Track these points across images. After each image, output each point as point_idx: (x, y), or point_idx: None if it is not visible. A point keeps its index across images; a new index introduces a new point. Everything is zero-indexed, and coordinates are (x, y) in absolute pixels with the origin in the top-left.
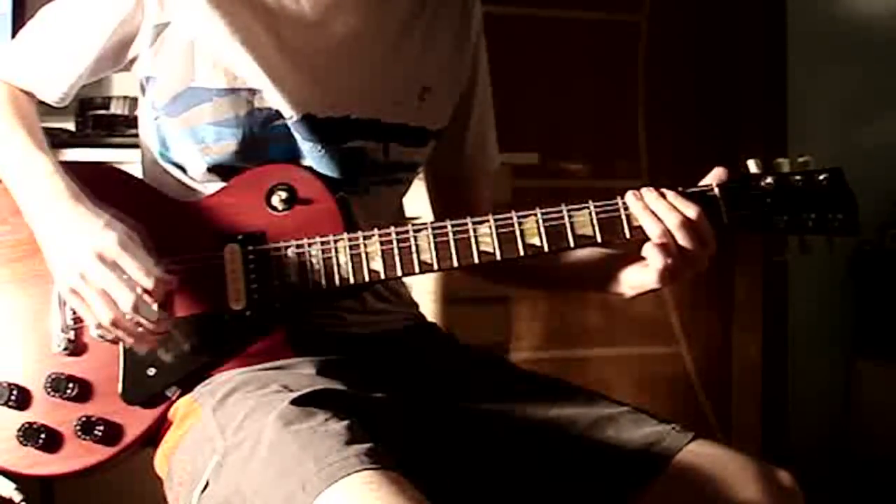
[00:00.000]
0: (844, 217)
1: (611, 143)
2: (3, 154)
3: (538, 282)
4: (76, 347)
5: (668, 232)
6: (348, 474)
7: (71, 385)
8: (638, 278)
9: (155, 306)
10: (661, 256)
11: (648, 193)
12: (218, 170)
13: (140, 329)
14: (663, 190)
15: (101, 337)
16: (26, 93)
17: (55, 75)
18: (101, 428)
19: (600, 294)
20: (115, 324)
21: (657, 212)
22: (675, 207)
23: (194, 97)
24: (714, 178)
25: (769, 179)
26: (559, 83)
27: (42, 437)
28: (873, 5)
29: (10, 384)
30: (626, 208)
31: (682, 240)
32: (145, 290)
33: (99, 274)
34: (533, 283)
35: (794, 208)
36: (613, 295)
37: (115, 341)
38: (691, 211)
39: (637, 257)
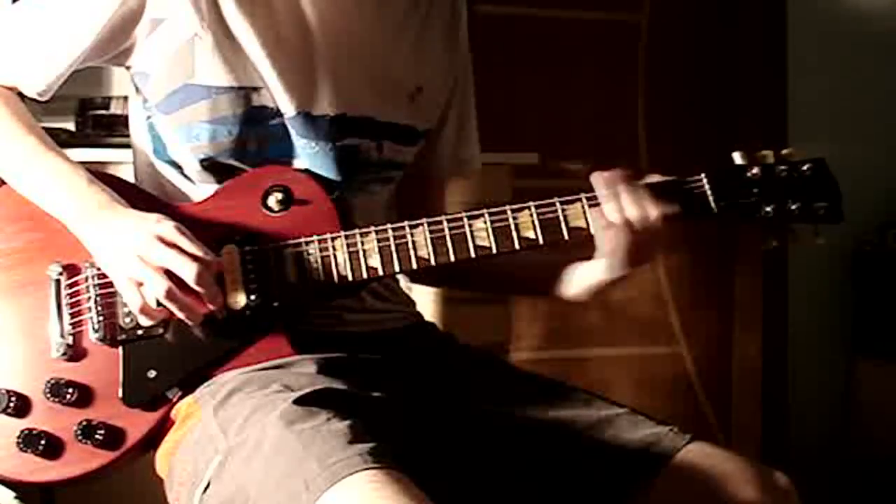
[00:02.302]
0: (829, 205)
1: (611, 143)
2: (19, 162)
3: (487, 284)
4: (75, 352)
5: (628, 224)
6: (351, 473)
7: (70, 390)
8: (588, 273)
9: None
10: (619, 244)
11: (626, 185)
12: (213, 167)
13: (191, 303)
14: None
15: (144, 321)
16: (8, 88)
17: (43, 64)
18: (102, 432)
19: (549, 297)
20: (170, 297)
21: (623, 205)
22: (639, 203)
23: (191, 94)
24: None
25: (755, 170)
26: (559, 83)
27: (42, 444)
28: (874, 4)
29: (8, 391)
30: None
31: (642, 233)
32: (202, 264)
33: (159, 252)
34: (483, 286)
35: (780, 198)
36: (562, 297)
37: (158, 325)
38: (654, 211)
39: (582, 257)
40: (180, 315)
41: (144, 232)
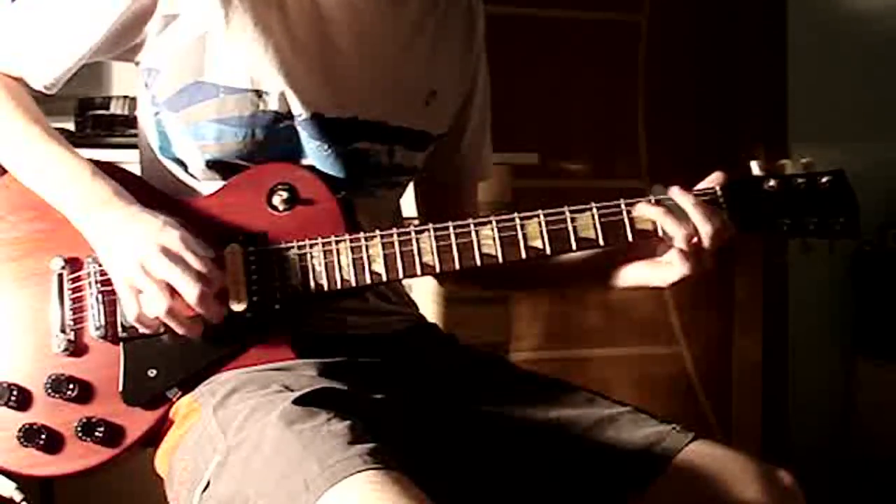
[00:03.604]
0: (846, 220)
1: (611, 143)
2: (23, 152)
3: (535, 282)
4: (76, 348)
5: (692, 237)
6: (351, 474)
7: (71, 386)
8: (644, 275)
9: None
10: (685, 261)
11: (681, 196)
12: (217, 167)
13: (192, 319)
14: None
15: (140, 326)
16: (14, 79)
17: (52, 57)
18: (102, 429)
19: (595, 288)
20: (170, 313)
21: (692, 217)
22: (706, 215)
23: (199, 92)
24: (715, 181)
25: (772, 182)
26: (559, 83)
27: (42, 438)
28: (873, 4)
29: (10, 384)
30: (629, 212)
31: (709, 246)
32: (205, 283)
33: (163, 266)
34: (530, 284)
35: (796, 211)
36: (608, 288)
37: (153, 332)
38: (718, 220)
39: (639, 255)
40: (179, 330)
41: (149, 240)
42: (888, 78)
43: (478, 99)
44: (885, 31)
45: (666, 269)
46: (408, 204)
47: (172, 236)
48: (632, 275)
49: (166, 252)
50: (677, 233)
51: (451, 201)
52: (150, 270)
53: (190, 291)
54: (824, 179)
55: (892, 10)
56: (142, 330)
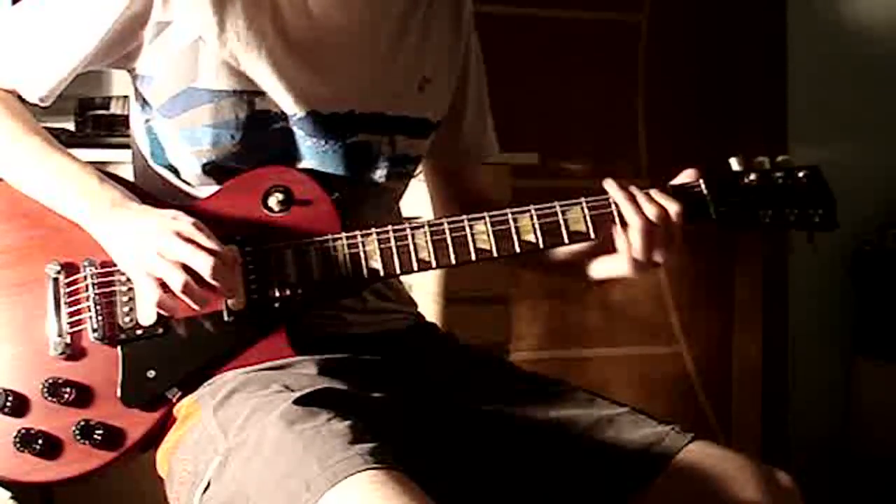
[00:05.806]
0: (824, 213)
1: (611, 142)
2: (25, 165)
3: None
4: (73, 351)
5: (648, 224)
6: (352, 474)
7: (69, 389)
8: (608, 266)
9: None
10: (640, 246)
11: (634, 189)
12: (213, 172)
13: (206, 296)
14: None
15: (146, 320)
16: (9, 91)
17: (46, 69)
18: (101, 432)
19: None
20: (186, 290)
21: (641, 204)
22: (656, 202)
23: (194, 98)
24: (689, 176)
25: (752, 176)
26: (559, 83)
27: (40, 443)
28: (873, 3)
29: (5, 390)
30: (616, 205)
31: (660, 232)
32: (219, 258)
33: (178, 247)
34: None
35: (777, 204)
36: (580, 278)
37: (158, 324)
38: (674, 206)
39: (606, 248)
40: (195, 307)
41: (162, 228)
42: (888, 78)
43: (472, 81)
44: (884, 31)
45: (624, 259)
46: (408, 204)
47: (184, 222)
48: (598, 268)
49: (179, 235)
50: (633, 218)
51: (460, 185)
52: (165, 254)
53: (203, 266)
54: (801, 174)
55: (893, 11)
56: (149, 322)
